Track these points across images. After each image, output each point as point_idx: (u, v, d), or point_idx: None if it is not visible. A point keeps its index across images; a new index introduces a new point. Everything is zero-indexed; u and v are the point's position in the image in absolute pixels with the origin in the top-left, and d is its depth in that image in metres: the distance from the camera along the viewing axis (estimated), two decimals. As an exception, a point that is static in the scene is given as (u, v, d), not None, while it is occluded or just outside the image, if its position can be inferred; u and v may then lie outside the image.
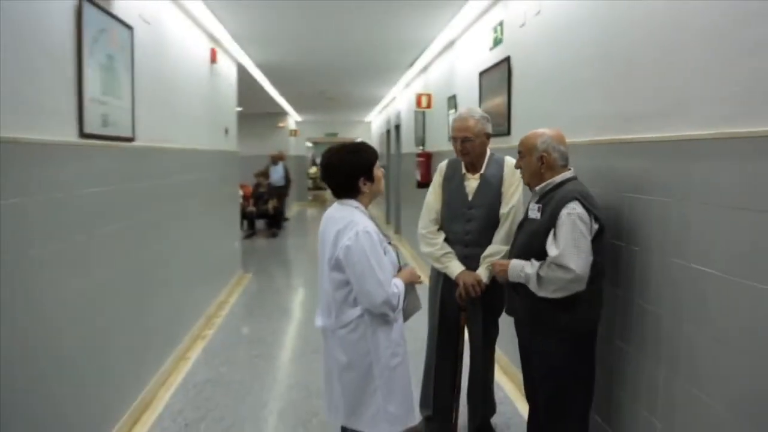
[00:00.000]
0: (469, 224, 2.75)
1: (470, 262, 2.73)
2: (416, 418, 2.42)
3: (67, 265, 2.48)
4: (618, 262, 2.40)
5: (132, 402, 3.19)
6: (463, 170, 2.81)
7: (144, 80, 3.48)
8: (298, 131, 17.31)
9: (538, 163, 2.33)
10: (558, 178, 2.32)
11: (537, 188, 2.37)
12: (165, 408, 3.41)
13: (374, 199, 2.37)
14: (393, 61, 7.27)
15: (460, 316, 2.81)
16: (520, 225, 2.49)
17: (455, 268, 2.72)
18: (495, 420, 3.12)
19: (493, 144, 2.96)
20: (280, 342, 4.74)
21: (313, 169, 21.73)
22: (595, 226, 2.19)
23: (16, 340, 2.08)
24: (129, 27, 3.21)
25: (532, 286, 2.24)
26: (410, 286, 2.33)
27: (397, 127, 10.54)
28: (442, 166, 2.95)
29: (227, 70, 6.44)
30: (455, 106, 5.52)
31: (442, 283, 2.87)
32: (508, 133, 3.88)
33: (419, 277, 2.38)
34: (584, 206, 2.18)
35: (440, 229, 2.87)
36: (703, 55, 1.89)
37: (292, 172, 12.93)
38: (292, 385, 3.81)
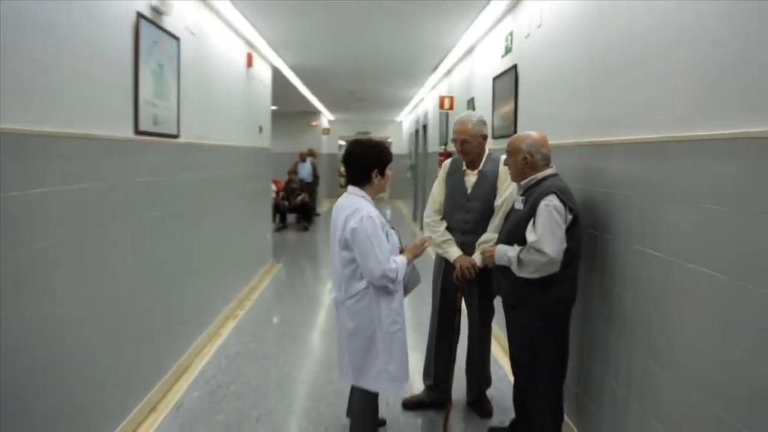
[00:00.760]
0: (467, 214, 3.12)
1: (468, 247, 3.10)
2: (410, 379, 2.80)
3: (120, 245, 2.94)
4: (593, 250, 2.73)
5: (169, 368, 3.65)
6: (464, 167, 3.18)
7: (188, 84, 3.95)
8: (331, 130, 17.80)
9: (522, 162, 2.68)
10: (540, 175, 2.66)
11: (522, 183, 2.72)
12: (199, 374, 3.88)
13: (378, 194, 2.75)
14: (417, 65, 7.64)
15: (458, 296, 3.18)
16: (507, 215, 2.85)
17: (453, 252, 3.10)
18: (491, 392, 3.47)
19: (501, 144, 3.31)
20: (304, 323, 5.17)
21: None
22: (570, 217, 2.53)
23: (81, 305, 2.55)
24: (176, 38, 3.68)
25: (514, 268, 2.59)
26: (411, 264, 2.72)
27: (425, 127, 10.90)
28: (446, 163, 3.33)
29: (262, 73, 6.92)
30: (473, 109, 5.86)
31: (443, 268, 3.24)
32: (515, 134, 4.21)
33: (423, 243, 2.76)
34: (560, 199, 2.52)
35: (443, 218, 3.24)
36: (659, 72, 2.21)
37: (323, 170, 13.39)
38: (313, 359, 4.24)
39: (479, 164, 3.14)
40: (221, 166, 4.95)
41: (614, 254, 2.55)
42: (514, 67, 4.22)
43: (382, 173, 2.64)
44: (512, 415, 3.04)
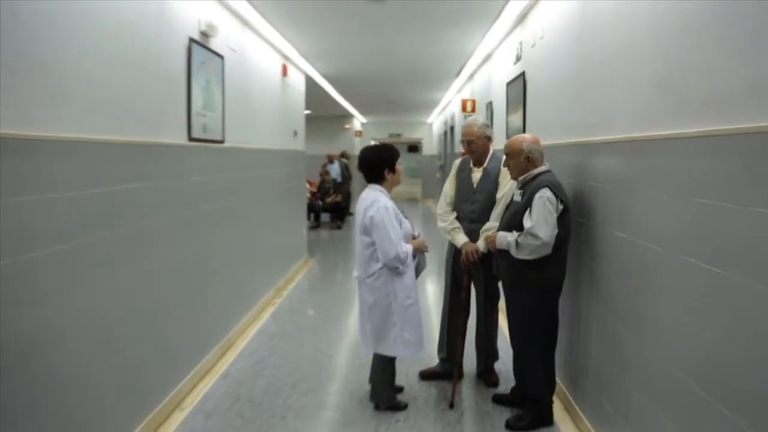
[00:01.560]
0: (473, 205, 3.58)
1: (474, 234, 3.54)
2: (425, 347, 3.27)
3: (178, 234, 3.49)
4: (580, 236, 3.13)
5: (218, 343, 4.20)
6: (471, 165, 3.63)
7: (231, 95, 4.50)
8: (363, 132, 18.34)
9: (525, 161, 3.10)
10: (535, 171, 3.09)
11: (520, 178, 3.15)
12: (243, 349, 4.43)
13: (394, 186, 3.23)
14: (441, 70, 8.08)
15: (464, 277, 3.63)
16: (507, 206, 3.28)
17: (461, 239, 3.55)
18: (498, 366, 3.89)
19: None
20: (335, 309, 5.68)
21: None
22: (560, 207, 2.95)
23: (145, 285, 3.10)
24: (221, 56, 4.23)
25: (513, 251, 3.02)
26: (419, 251, 3.21)
27: (452, 129, 11.32)
28: (457, 162, 3.79)
29: (296, 81, 7.48)
30: (492, 111, 6.28)
31: (453, 254, 3.70)
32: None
33: (426, 247, 3.26)
34: (553, 192, 2.94)
35: (453, 209, 3.70)
36: (623, 82, 2.62)
37: (356, 170, 13.87)
38: (341, 338, 4.75)
39: (484, 162, 3.58)
40: (260, 167, 5.51)
41: (597, 239, 2.95)
42: (523, 74, 4.64)
43: (392, 170, 3.13)
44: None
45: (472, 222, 3.57)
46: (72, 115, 2.40)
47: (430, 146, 18.61)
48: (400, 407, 3.37)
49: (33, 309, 2.15)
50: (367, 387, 3.54)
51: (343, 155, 13.33)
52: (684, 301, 2.03)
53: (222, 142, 4.29)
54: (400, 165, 3.25)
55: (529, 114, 4.55)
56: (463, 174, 3.68)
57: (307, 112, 8.52)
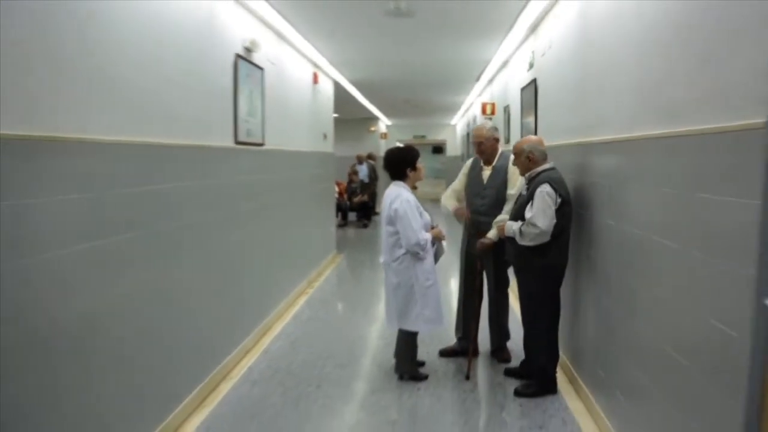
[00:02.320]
0: (483, 200, 4.01)
1: (484, 225, 3.96)
2: (444, 323, 3.74)
3: (225, 227, 4.00)
4: (581, 225, 3.53)
5: (257, 326, 4.69)
6: (481, 164, 4.06)
7: (269, 103, 5.00)
8: (388, 134, 18.83)
9: (526, 160, 3.52)
10: (539, 168, 3.50)
11: (526, 175, 3.57)
12: (280, 331, 4.93)
13: (416, 182, 3.69)
14: (461, 75, 8.50)
15: (477, 263, 4.06)
16: (516, 199, 3.70)
17: (451, 205, 4.16)
18: (510, 345, 4.30)
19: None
20: (363, 299, 6.15)
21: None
22: (559, 200, 3.35)
23: (202, 271, 3.61)
24: (261, 68, 4.74)
25: (517, 238, 3.44)
26: (437, 239, 3.66)
27: (474, 130, 11.70)
28: (468, 162, 4.24)
29: (326, 87, 7.99)
30: (509, 114, 6.68)
31: (467, 242, 4.14)
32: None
33: (443, 235, 3.70)
34: (552, 187, 3.35)
35: (466, 204, 4.16)
36: (613, 90, 3.02)
37: (381, 171, 14.34)
38: (369, 322, 5.22)
39: (493, 161, 4.01)
40: (293, 168, 6.01)
41: (592, 227, 3.35)
42: (535, 80, 5.04)
43: (413, 168, 3.59)
44: (525, 359, 3.88)
45: (482, 215, 4.00)
46: (131, 121, 2.78)
47: (454, 147, 18.98)
48: (422, 378, 3.82)
49: (94, 293, 2.43)
50: (392, 361, 3.99)
51: (370, 156, 13.82)
52: (668, 282, 2.29)
53: (262, 144, 4.79)
54: (421, 164, 3.71)
55: (540, 117, 4.95)
56: (474, 172, 4.12)
57: (335, 115, 9.03)
